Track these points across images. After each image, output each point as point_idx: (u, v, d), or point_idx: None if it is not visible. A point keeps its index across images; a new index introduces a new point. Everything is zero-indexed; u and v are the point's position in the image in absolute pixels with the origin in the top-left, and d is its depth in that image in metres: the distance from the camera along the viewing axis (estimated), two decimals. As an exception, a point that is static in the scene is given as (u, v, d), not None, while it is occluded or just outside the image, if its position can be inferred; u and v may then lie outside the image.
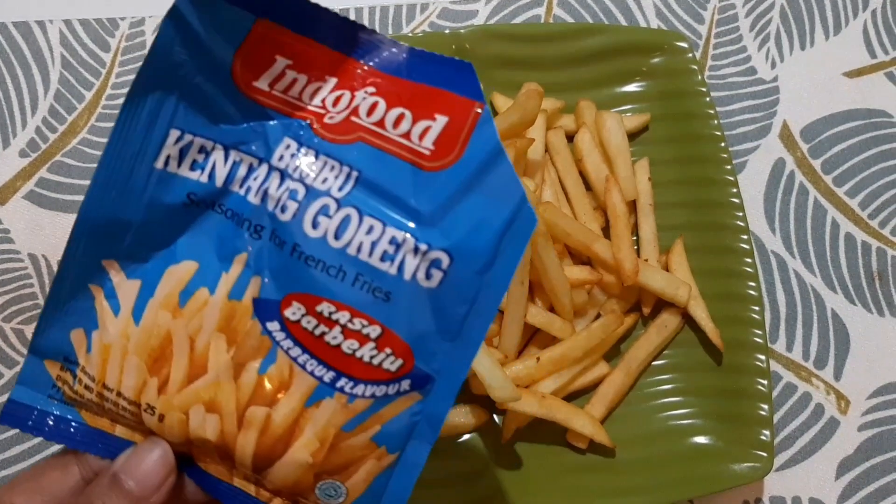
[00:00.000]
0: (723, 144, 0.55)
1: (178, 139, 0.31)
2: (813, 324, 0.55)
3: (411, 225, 0.30)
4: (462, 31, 0.56)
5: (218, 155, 0.32)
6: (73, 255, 0.31)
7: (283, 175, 0.31)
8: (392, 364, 0.30)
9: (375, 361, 0.30)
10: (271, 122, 0.32)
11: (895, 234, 0.58)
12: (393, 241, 0.30)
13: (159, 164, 0.31)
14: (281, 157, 0.31)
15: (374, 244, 0.30)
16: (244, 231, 0.31)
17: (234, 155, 0.32)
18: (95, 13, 0.60)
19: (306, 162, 0.31)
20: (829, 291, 0.56)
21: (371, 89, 0.31)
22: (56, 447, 0.49)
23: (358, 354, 0.30)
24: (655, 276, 0.50)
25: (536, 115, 0.50)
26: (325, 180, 0.30)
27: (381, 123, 0.30)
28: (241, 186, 0.32)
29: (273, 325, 0.31)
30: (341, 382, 0.30)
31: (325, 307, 0.30)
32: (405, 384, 0.31)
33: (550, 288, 0.48)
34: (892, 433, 0.53)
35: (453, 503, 0.47)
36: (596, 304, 0.52)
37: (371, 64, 0.31)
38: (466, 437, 0.50)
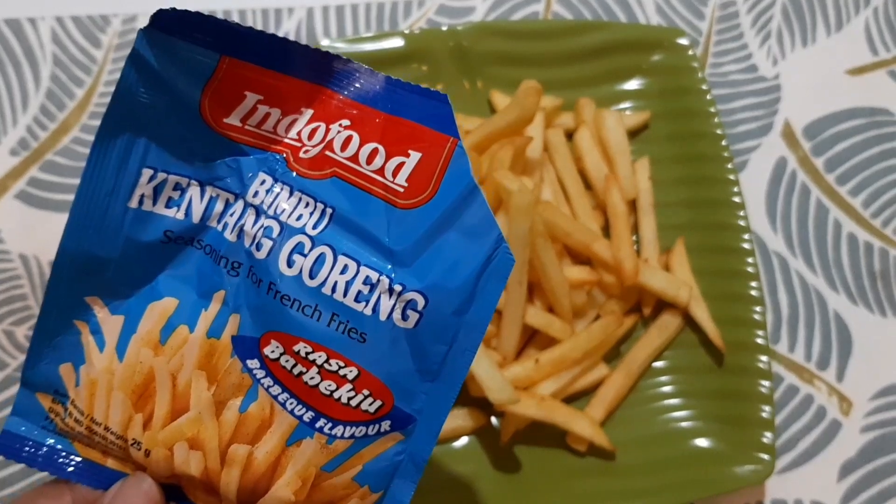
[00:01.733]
0: (724, 143, 0.54)
1: (152, 178, 0.31)
2: (815, 325, 0.55)
3: (386, 265, 0.29)
4: (459, 27, 0.56)
5: (194, 191, 0.31)
6: (56, 291, 0.31)
7: (259, 212, 0.30)
8: (371, 405, 0.30)
9: (353, 403, 0.30)
10: (246, 158, 0.31)
11: (897, 234, 0.57)
12: (367, 280, 0.29)
13: (133, 203, 0.31)
14: (256, 193, 0.31)
15: (348, 284, 0.29)
16: (222, 268, 0.31)
17: (210, 191, 0.31)
18: (87, 10, 0.59)
19: (281, 198, 0.30)
20: (831, 292, 0.55)
21: (346, 122, 0.30)
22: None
23: (336, 396, 0.30)
24: (656, 277, 0.50)
25: (535, 112, 0.50)
26: (299, 217, 0.30)
27: (354, 158, 0.30)
28: (218, 222, 0.31)
29: (253, 363, 0.30)
30: (320, 423, 0.30)
31: (301, 347, 0.30)
32: (385, 425, 0.30)
33: (549, 288, 0.48)
34: (895, 435, 0.52)
35: (451, 507, 0.47)
36: (595, 305, 0.51)
37: (345, 94, 0.30)
38: (464, 440, 0.49)
